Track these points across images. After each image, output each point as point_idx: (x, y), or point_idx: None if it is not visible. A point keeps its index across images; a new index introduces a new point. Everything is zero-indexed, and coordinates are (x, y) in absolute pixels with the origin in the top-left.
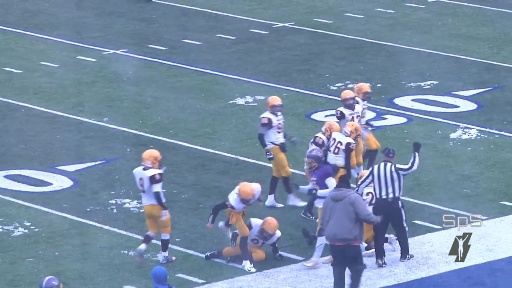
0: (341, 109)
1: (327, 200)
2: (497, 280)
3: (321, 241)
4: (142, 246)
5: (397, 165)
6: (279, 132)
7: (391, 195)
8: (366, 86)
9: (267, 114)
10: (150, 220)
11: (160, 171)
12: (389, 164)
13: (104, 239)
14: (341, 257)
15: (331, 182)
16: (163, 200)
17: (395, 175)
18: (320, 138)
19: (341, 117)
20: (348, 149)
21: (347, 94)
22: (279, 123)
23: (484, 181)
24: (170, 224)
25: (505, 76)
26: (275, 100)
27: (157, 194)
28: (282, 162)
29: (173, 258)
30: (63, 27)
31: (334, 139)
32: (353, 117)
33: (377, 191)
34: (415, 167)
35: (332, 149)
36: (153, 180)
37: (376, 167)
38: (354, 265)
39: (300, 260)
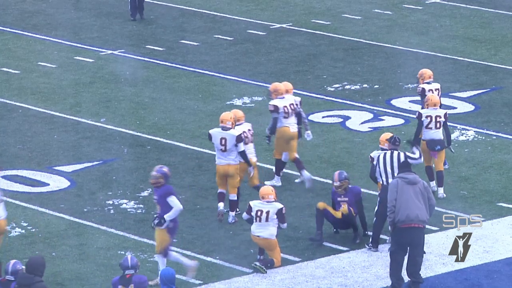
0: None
1: (399, 183)
2: (494, 282)
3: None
4: (221, 205)
5: (406, 153)
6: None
7: None
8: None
9: None
10: (221, 179)
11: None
12: (396, 152)
13: (101, 240)
14: (414, 240)
15: (174, 201)
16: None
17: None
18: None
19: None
20: (446, 118)
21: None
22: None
23: (481, 183)
24: (239, 184)
25: (503, 78)
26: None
27: (243, 152)
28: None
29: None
30: (61, 27)
31: (430, 116)
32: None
33: (384, 179)
34: (421, 160)
35: (432, 125)
36: (239, 139)
37: (382, 155)
38: (421, 248)
39: (297, 261)
